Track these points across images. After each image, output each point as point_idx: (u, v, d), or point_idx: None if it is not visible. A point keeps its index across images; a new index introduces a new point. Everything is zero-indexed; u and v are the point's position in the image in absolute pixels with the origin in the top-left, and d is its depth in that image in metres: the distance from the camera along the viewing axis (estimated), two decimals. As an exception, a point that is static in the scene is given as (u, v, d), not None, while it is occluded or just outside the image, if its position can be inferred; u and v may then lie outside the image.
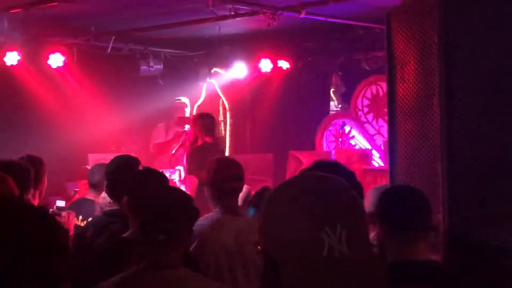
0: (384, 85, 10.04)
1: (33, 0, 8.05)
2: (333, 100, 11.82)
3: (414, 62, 4.33)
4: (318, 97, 11.76)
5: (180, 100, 10.39)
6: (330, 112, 11.78)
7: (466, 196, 3.92)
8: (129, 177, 3.90)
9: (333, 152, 10.75)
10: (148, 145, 10.79)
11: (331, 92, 11.71)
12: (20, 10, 8.27)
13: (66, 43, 10.26)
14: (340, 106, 11.76)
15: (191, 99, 11.80)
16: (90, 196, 5.54)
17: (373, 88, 11.08)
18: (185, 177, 8.25)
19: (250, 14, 8.71)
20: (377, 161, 10.60)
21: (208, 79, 11.94)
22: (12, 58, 9.81)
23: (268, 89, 11.69)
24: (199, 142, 8.33)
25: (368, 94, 11.16)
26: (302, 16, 8.52)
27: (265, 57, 10.96)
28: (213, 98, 12.20)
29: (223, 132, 12.35)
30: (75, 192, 8.42)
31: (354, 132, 11.21)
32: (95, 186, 5.43)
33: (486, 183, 3.93)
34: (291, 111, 11.68)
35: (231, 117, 12.31)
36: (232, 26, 9.47)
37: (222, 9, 8.43)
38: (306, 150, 11.09)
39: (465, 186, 3.95)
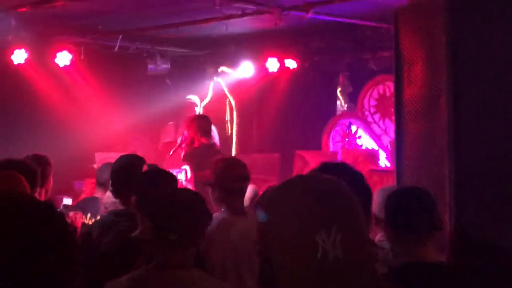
0: (391, 85, 10.06)
1: (40, -2, 8.08)
2: (339, 100, 11.80)
3: (422, 62, 4.33)
4: (324, 96, 11.75)
5: (191, 99, 10.40)
6: (337, 112, 11.77)
7: (473, 197, 3.92)
8: (137, 177, 3.90)
9: (339, 152, 10.74)
10: (155, 144, 10.80)
11: (337, 92, 11.70)
12: (27, 8, 8.28)
13: (73, 42, 10.28)
14: (346, 106, 11.75)
15: (198, 98, 11.81)
16: (98, 194, 5.55)
17: (380, 88, 11.06)
18: (191, 176, 8.26)
19: (258, 14, 8.71)
20: (384, 161, 10.59)
21: (215, 78, 11.95)
22: (19, 56, 9.83)
23: (275, 89, 11.68)
24: (196, 144, 8.36)
25: (375, 94, 11.14)
26: (309, 15, 8.51)
27: (272, 56, 10.95)
28: (220, 97, 12.20)
29: (229, 131, 12.35)
30: (82, 190, 8.44)
31: (360, 132, 11.19)
32: (102, 185, 5.44)
33: (493, 183, 3.92)
34: (298, 110, 11.68)
35: (237, 117, 12.31)
36: (239, 25, 9.47)
37: (230, 8, 8.43)
38: (312, 150, 11.08)
39: (472, 186, 3.95)
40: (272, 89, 11.71)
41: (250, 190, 4.87)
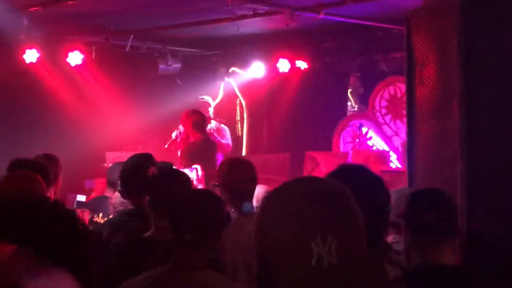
0: (402, 86, 10.04)
1: (52, -2, 8.10)
2: (350, 101, 11.79)
3: (434, 64, 4.32)
4: (335, 97, 11.74)
5: (204, 99, 10.41)
6: (348, 113, 11.75)
7: (485, 199, 3.90)
8: (152, 177, 3.90)
9: (350, 153, 10.72)
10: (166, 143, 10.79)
11: (348, 93, 11.69)
12: (39, 8, 8.31)
13: (85, 41, 10.31)
14: (357, 106, 11.73)
15: (211, 98, 11.82)
16: (108, 194, 5.56)
17: (391, 89, 11.04)
18: (202, 176, 8.26)
19: (269, 14, 8.71)
20: (395, 162, 10.56)
21: (226, 79, 11.96)
22: (31, 55, 9.87)
23: (286, 89, 11.68)
24: (191, 139, 8.38)
25: (386, 95, 11.12)
26: (321, 16, 8.50)
27: (283, 57, 10.95)
28: (230, 97, 12.21)
29: (240, 131, 12.36)
30: (93, 189, 8.45)
31: (371, 133, 11.18)
32: (113, 185, 5.44)
33: (506, 185, 3.90)
34: (308, 111, 11.67)
35: (248, 117, 12.32)
36: (251, 25, 9.48)
37: (241, 8, 8.44)
38: (323, 151, 11.07)
39: (484, 189, 3.93)
40: (283, 90, 11.71)
41: (262, 190, 4.86)
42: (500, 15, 4.08)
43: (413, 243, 3.06)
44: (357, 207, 1.65)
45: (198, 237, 2.90)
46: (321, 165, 10.53)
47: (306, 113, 11.69)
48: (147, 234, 3.55)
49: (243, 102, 12.27)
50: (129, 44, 10.24)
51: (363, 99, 11.49)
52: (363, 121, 11.21)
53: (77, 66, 10.41)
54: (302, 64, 11.03)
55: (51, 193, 4.76)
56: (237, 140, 12.10)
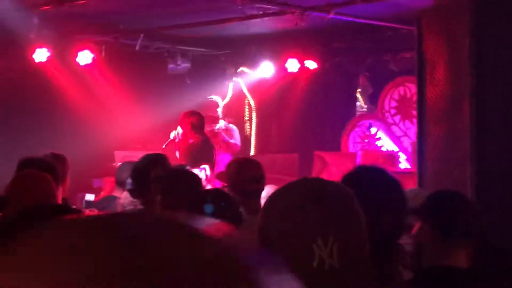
0: (412, 86, 10.02)
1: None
2: (359, 101, 11.77)
3: (445, 65, 4.31)
4: (344, 97, 11.72)
5: (213, 98, 10.42)
6: (357, 113, 11.73)
7: (496, 200, 3.89)
8: (164, 176, 3.89)
9: (359, 153, 10.70)
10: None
11: (357, 93, 11.67)
12: (50, 7, 8.34)
13: (94, 41, 10.32)
14: (366, 107, 11.71)
15: (220, 98, 11.82)
16: (117, 193, 5.56)
17: (401, 89, 11.01)
18: (211, 175, 8.27)
19: (278, 14, 8.70)
20: (404, 163, 10.54)
21: (234, 78, 11.96)
22: (41, 55, 9.88)
23: (295, 89, 11.67)
24: (189, 140, 8.39)
25: (396, 96, 11.10)
26: (330, 16, 8.49)
27: (292, 57, 10.94)
28: (239, 97, 12.20)
29: (248, 131, 12.35)
30: (101, 189, 8.47)
31: (380, 134, 11.15)
32: (122, 184, 5.45)
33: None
34: (317, 111, 11.66)
35: (257, 117, 12.31)
36: (260, 25, 9.47)
37: (251, 8, 8.44)
38: (332, 151, 11.06)
39: (494, 190, 3.92)
40: (291, 90, 11.70)
41: (271, 191, 4.84)
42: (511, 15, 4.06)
43: (429, 243, 3.04)
44: (359, 208, 1.64)
45: None
46: (329, 165, 10.52)
47: (315, 113, 11.67)
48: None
49: (252, 102, 12.26)
50: (138, 43, 10.25)
51: (372, 99, 11.46)
52: (372, 121, 11.18)
53: (86, 65, 10.42)
54: (311, 64, 11.02)
55: (59, 193, 4.78)
56: (245, 140, 12.09)
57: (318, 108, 11.67)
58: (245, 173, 4.30)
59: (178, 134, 8.89)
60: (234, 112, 12.05)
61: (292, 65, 10.97)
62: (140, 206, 4.29)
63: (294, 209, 1.60)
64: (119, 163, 9.55)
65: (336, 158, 10.76)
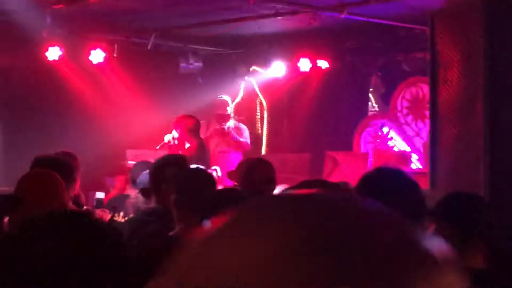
0: (424, 86, 9.99)
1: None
2: (371, 101, 11.74)
3: (458, 65, 4.29)
4: (356, 97, 11.69)
5: (222, 97, 10.41)
6: (369, 113, 11.70)
7: (509, 201, 3.87)
8: (179, 176, 3.88)
9: (371, 153, 10.67)
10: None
11: (369, 93, 11.64)
12: (62, 6, 8.36)
13: (107, 39, 10.34)
14: (377, 106, 11.68)
15: (230, 97, 11.82)
16: (131, 192, 5.57)
17: (413, 89, 10.97)
18: (222, 176, 8.27)
19: (291, 14, 8.70)
20: (416, 163, 10.50)
21: (246, 78, 11.95)
22: (54, 53, 9.92)
23: (307, 89, 11.65)
24: (185, 144, 8.40)
25: (408, 96, 11.06)
26: (343, 16, 8.47)
27: (304, 56, 10.92)
28: (251, 96, 12.20)
29: (260, 130, 12.35)
30: (113, 187, 8.49)
31: (392, 134, 11.12)
32: (135, 183, 5.45)
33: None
34: (329, 111, 11.63)
35: (268, 116, 12.30)
36: (272, 25, 9.47)
37: (263, 8, 8.43)
38: (343, 151, 11.03)
39: (507, 190, 3.90)
40: (303, 89, 11.68)
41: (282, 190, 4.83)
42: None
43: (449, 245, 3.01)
44: None
45: None
46: (341, 165, 10.50)
47: (326, 113, 11.65)
48: (171, 233, 3.54)
49: (264, 101, 12.26)
50: (150, 42, 10.26)
51: (385, 99, 11.43)
52: (384, 121, 11.15)
53: (99, 64, 10.44)
54: (323, 64, 11.00)
55: (70, 191, 4.79)
56: (257, 139, 12.08)
57: (330, 107, 11.64)
58: (256, 173, 4.29)
59: (173, 137, 8.89)
60: (246, 111, 12.05)
61: (304, 64, 10.95)
62: (152, 206, 4.28)
63: None
64: (132, 162, 9.61)
65: (348, 158, 10.74)
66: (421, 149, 10.35)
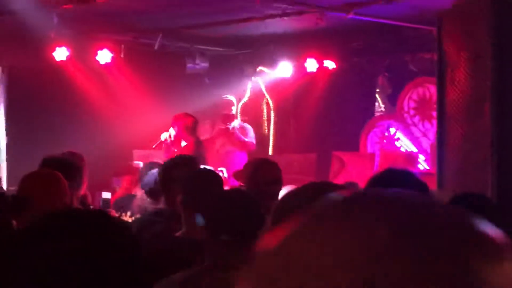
0: (431, 87, 9.98)
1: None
2: (377, 101, 11.73)
3: (466, 66, 4.28)
4: (363, 98, 11.68)
5: (227, 97, 10.42)
6: (375, 113, 11.69)
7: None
8: (185, 176, 3.88)
9: (377, 154, 10.66)
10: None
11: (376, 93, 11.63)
12: (70, 6, 8.38)
13: (114, 40, 10.36)
14: (384, 107, 11.67)
15: (236, 97, 11.83)
16: (138, 192, 5.58)
17: (420, 90, 10.96)
18: (228, 177, 8.27)
19: (298, 14, 8.69)
20: (423, 164, 10.48)
21: (253, 78, 11.95)
22: (61, 53, 9.94)
23: (313, 89, 11.64)
24: (183, 142, 8.42)
25: (415, 96, 11.05)
26: (350, 16, 8.47)
27: (311, 56, 10.92)
28: (257, 96, 12.20)
29: (266, 131, 12.35)
30: (119, 187, 8.49)
31: (399, 134, 11.11)
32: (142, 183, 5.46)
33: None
34: (336, 111, 11.62)
35: (275, 116, 12.31)
36: (279, 25, 9.46)
37: (270, 8, 8.43)
38: (350, 151, 11.03)
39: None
40: (310, 90, 11.68)
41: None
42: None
43: None
44: None
45: (236, 237, 2.89)
46: (348, 166, 10.50)
47: (333, 113, 11.64)
48: (177, 233, 3.54)
49: (270, 102, 12.26)
50: (157, 43, 10.28)
51: (391, 100, 11.42)
52: (391, 122, 11.14)
53: (106, 64, 10.46)
54: (330, 64, 11.00)
55: (77, 191, 4.80)
56: (263, 139, 12.09)
57: (337, 108, 11.63)
58: (262, 174, 4.29)
59: (170, 135, 8.91)
60: (252, 111, 12.05)
61: (311, 65, 10.95)
62: (159, 206, 4.28)
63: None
64: (138, 162, 9.63)
65: (354, 158, 10.74)
66: (428, 150, 10.33)
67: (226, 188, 7.71)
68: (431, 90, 10.10)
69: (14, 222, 3.50)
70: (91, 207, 5.34)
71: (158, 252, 3.35)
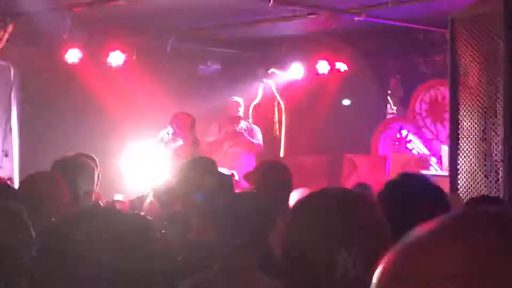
0: (443, 89, 9.95)
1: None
2: (389, 104, 11.71)
3: (478, 68, 4.27)
4: (375, 100, 11.66)
5: (234, 99, 10.42)
6: (387, 115, 11.67)
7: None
8: (196, 178, 3.90)
9: (389, 156, 10.64)
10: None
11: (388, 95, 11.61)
12: (83, 8, 8.41)
13: (126, 42, 10.39)
14: (395, 109, 11.65)
15: (247, 99, 11.82)
16: (150, 195, 5.59)
17: (432, 92, 10.93)
18: (239, 180, 8.27)
19: (310, 16, 8.70)
20: (435, 166, 10.45)
21: (264, 80, 11.95)
22: (73, 55, 9.97)
23: (325, 91, 11.63)
24: (179, 140, 8.44)
25: (427, 98, 11.02)
26: (361, 18, 8.46)
27: (322, 58, 10.91)
28: (269, 98, 12.20)
29: (278, 133, 12.35)
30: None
31: (411, 137, 11.08)
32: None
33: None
34: (348, 113, 11.61)
35: (286, 118, 12.30)
36: (290, 27, 9.47)
37: (282, 10, 8.43)
38: (362, 153, 11.01)
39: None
40: (322, 91, 11.67)
41: (305, 194, 4.83)
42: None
43: None
44: (383, 218, 1.62)
45: (248, 240, 2.90)
46: (359, 168, 10.48)
47: (345, 115, 11.63)
48: (189, 236, 3.55)
49: (282, 104, 12.26)
50: (169, 45, 10.30)
51: (403, 102, 11.39)
52: (403, 124, 11.11)
53: (118, 66, 10.49)
54: (341, 66, 10.98)
55: (90, 193, 4.82)
56: (275, 141, 12.08)
57: (348, 110, 11.62)
58: (272, 177, 4.29)
59: (168, 133, 8.93)
60: (264, 113, 12.05)
61: (323, 67, 10.94)
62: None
63: (318, 219, 1.60)
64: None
65: (366, 160, 10.72)
66: (440, 152, 10.30)
67: (237, 191, 7.73)
68: (443, 92, 10.07)
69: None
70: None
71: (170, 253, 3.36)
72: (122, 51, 10.36)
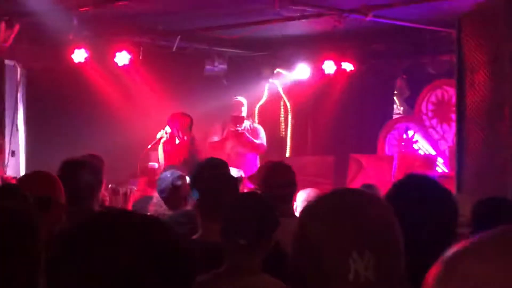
0: (449, 89, 9.94)
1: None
2: (395, 104, 11.69)
3: (485, 69, 4.26)
4: (381, 100, 11.65)
5: (238, 98, 10.40)
6: (393, 115, 11.65)
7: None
8: (201, 178, 3.89)
9: (395, 156, 10.62)
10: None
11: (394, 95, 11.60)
12: (89, 8, 8.42)
13: (132, 42, 10.39)
14: (402, 109, 11.63)
15: (254, 99, 11.81)
16: (156, 195, 5.59)
17: (438, 92, 10.91)
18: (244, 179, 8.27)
19: (316, 16, 8.69)
20: (441, 167, 10.43)
21: (271, 80, 11.95)
22: (80, 55, 9.98)
23: (331, 91, 11.62)
24: (176, 140, 8.45)
25: (433, 99, 11.00)
26: (368, 18, 8.45)
27: (328, 58, 10.90)
28: (275, 98, 12.20)
29: (283, 132, 12.35)
30: (135, 189, 8.53)
31: (417, 137, 11.06)
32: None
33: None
34: (354, 113, 11.60)
35: (292, 118, 12.30)
36: (297, 27, 9.46)
37: (288, 10, 8.43)
38: (368, 153, 11.00)
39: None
40: (328, 92, 11.66)
41: (313, 194, 4.83)
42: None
43: None
44: (396, 222, 1.62)
45: (252, 241, 2.90)
46: (365, 168, 10.47)
47: (351, 115, 11.62)
48: (194, 237, 3.54)
49: (288, 104, 12.25)
50: (175, 44, 10.30)
51: (410, 102, 11.38)
52: (409, 124, 11.10)
53: (124, 66, 10.50)
54: (348, 66, 10.97)
55: (98, 193, 4.82)
56: (281, 141, 12.08)
57: (355, 110, 11.61)
58: (276, 177, 4.29)
59: (166, 133, 8.95)
60: (270, 113, 12.05)
61: (329, 67, 10.93)
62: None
63: (329, 222, 1.59)
64: (152, 163, 9.67)
65: (372, 160, 10.71)
66: (446, 153, 10.28)
67: (242, 191, 7.73)
68: (450, 92, 10.05)
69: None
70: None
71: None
72: (128, 51, 10.37)
